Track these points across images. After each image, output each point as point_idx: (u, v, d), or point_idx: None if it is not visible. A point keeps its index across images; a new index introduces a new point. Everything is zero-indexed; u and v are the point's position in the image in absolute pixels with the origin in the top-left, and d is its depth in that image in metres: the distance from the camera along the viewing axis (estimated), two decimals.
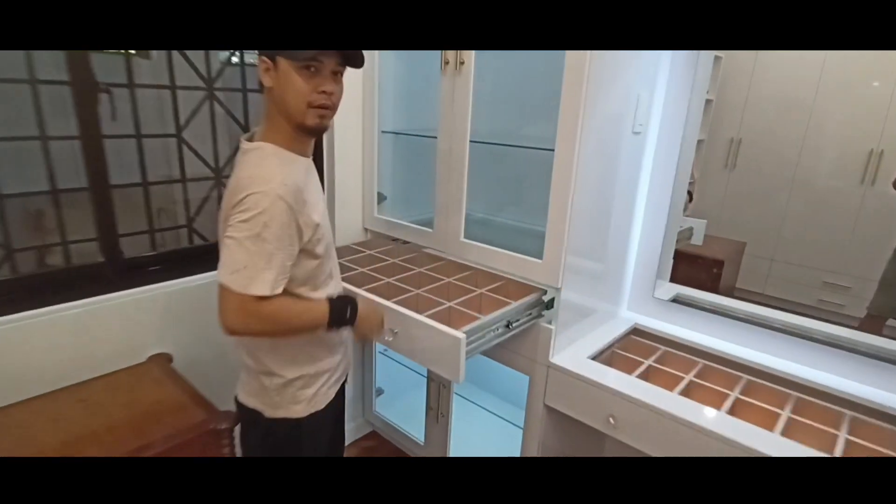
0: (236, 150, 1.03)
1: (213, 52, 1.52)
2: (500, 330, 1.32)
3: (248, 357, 1.08)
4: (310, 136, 1.02)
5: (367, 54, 1.65)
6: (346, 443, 2.10)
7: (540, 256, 1.35)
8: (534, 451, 1.53)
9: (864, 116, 1.44)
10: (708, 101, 1.60)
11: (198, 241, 1.57)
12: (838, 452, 1.13)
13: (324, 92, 0.96)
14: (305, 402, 1.09)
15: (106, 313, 1.31)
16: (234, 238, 0.91)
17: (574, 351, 1.46)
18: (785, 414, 1.26)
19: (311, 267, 1.03)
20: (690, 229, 1.82)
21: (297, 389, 1.08)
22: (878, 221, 1.42)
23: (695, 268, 1.81)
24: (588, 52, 1.17)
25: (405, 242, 1.79)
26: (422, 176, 1.77)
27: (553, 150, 1.28)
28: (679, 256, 1.69)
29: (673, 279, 1.69)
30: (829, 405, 1.31)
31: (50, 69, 1.21)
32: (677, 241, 1.68)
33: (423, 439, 1.83)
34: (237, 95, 1.58)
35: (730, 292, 1.64)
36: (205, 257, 1.51)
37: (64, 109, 1.26)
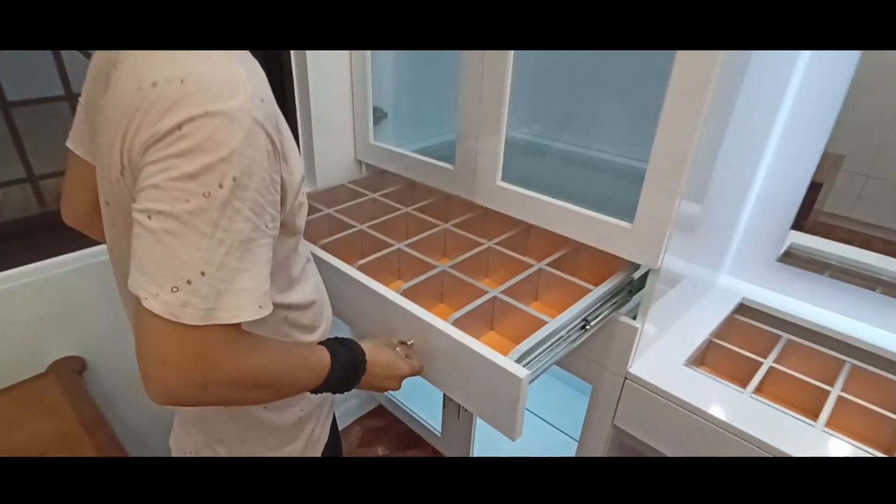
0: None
1: None
2: (573, 335, 0.85)
3: (192, 426, 0.71)
4: None
5: None
6: (350, 420, 1.78)
7: (630, 218, 0.84)
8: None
9: None
10: None
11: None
12: None
13: None
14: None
15: None
16: (168, 214, 0.44)
17: (659, 351, 1.00)
18: None
19: (287, 249, 0.61)
20: None
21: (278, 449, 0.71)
22: None
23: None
24: None
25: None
26: (439, 81, 1.22)
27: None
28: None
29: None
30: None
31: None
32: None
33: (440, 430, 1.46)
34: None
35: (814, 223, 1.11)
36: None
37: None
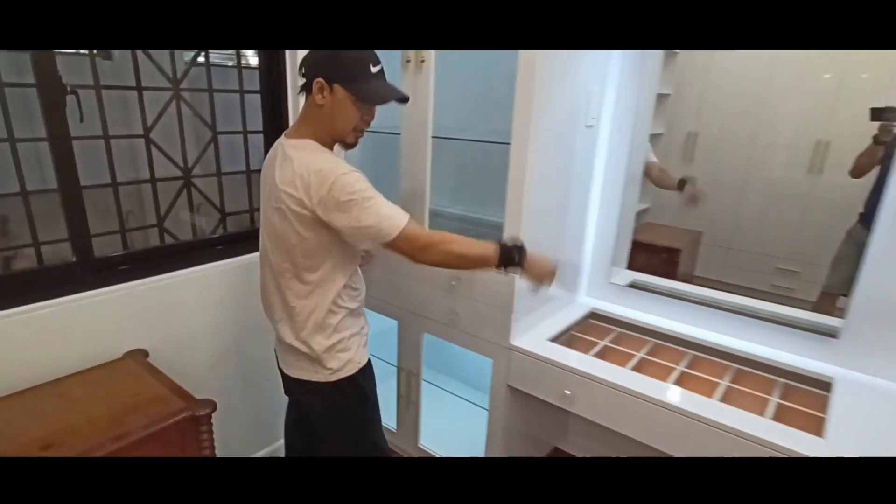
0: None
1: (178, 53, 1.55)
2: None
3: (290, 335, 1.20)
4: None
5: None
6: None
7: None
8: (499, 432, 1.63)
9: (812, 108, 1.51)
10: (666, 96, 1.69)
11: (169, 240, 1.60)
12: (769, 416, 1.25)
13: (367, 120, 1.14)
14: (351, 361, 1.21)
15: (79, 312, 1.34)
16: (353, 214, 1.04)
17: (534, 334, 1.56)
18: (724, 383, 1.39)
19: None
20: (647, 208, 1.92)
21: (339, 352, 1.19)
22: (824, 209, 1.48)
23: (653, 257, 1.91)
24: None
25: None
26: (388, 171, 1.84)
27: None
28: (637, 246, 1.80)
29: (632, 267, 1.80)
30: (763, 374, 1.44)
31: (10, 73, 1.23)
32: (636, 229, 1.78)
33: (395, 427, 1.91)
34: (203, 96, 1.61)
35: (689, 279, 1.75)
36: (176, 256, 1.54)
37: (26, 112, 1.28)
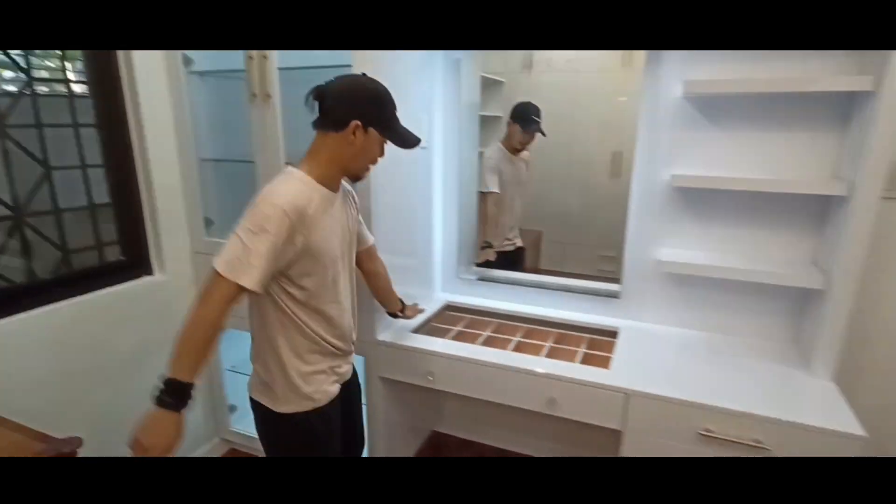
0: None
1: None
2: None
3: (253, 354, 1.22)
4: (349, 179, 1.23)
5: (176, 86, 1.76)
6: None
7: None
8: (379, 422, 1.81)
9: (611, 125, 1.91)
10: (498, 118, 2.03)
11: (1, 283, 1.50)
12: (578, 361, 1.63)
13: (381, 156, 1.18)
14: (305, 397, 1.20)
15: None
16: (236, 233, 1.02)
17: (397, 328, 1.77)
18: (548, 345, 1.75)
19: (310, 284, 1.14)
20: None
21: (296, 385, 1.18)
22: (623, 205, 1.80)
23: (505, 255, 2.22)
24: None
25: None
26: (245, 198, 1.92)
27: None
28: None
29: (485, 265, 2.11)
30: (575, 333, 1.84)
31: None
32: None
33: None
34: (32, 132, 1.54)
35: (536, 272, 2.11)
36: (13, 298, 1.46)
37: None
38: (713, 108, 1.58)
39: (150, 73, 1.72)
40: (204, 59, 1.85)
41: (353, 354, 1.36)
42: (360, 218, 1.38)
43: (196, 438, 2.07)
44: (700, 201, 1.67)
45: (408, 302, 1.65)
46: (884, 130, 1.26)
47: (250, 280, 1.01)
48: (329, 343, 1.22)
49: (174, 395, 1.00)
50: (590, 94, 1.97)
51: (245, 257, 1.01)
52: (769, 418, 1.28)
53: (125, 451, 1.03)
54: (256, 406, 1.25)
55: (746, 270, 1.53)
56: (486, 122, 2.04)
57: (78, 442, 1.19)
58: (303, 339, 1.19)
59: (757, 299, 1.67)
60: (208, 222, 1.94)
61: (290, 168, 1.13)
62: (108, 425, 1.58)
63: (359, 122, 1.09)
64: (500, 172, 2.05)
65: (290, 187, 1.08)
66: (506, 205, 2.10)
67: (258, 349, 1.22)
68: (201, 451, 2.11)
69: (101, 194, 1.71)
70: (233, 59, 1.65)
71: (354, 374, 1.41)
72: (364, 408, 1.80)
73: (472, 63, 1.93)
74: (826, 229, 1.52)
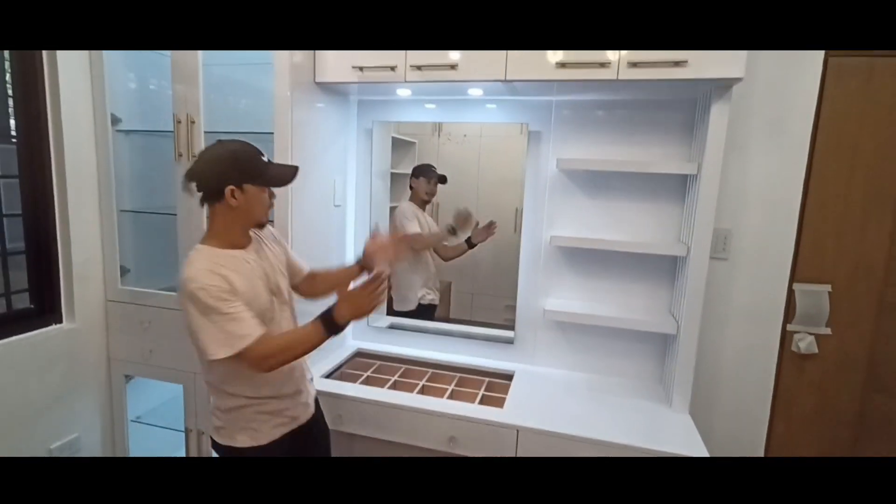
0: None
1: None
2: None
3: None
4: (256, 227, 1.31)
5: (103, 141, 1.85)
6: None
7: None
8: None
9: (516, 183, 2.06)
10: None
11: None
12: (477, 402, 1.79)
13: (273, 197, 1.28)
14: (246, 433, 1.26)
15: None
16: (200, 325, 1.12)
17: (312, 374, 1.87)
18: (451, 388, 1.90)
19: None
20: None
21: (238, 420, 1.25)
22: (526, 259, 2.02)
23: (418, 307, 2.36)
24: (291, 152, 1.67)
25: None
26: (167, 248, 2.00)
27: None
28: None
29: (396, 314, 2.26)
30: (476, 377, 2.01)
31: None
32: None
33: None
34: None
35: (447, 321, 2.26)
36: None
37: None
38: (584, 180, 1.90)
39: (76, 127, 1.81)
40: (132, 118, 1.97)
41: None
42: (289, 248, 1.48)
43: None
44: (577, 258, 1.95)
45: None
46: (705, 206, 1.59)
47: (250, 331, 1.14)
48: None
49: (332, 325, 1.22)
50: (495, 154, 2.19)
51: (226, 326, 1.13)
52: (630, 446, 1.49)
53: None
54: None
55: (615, 318, 1.79)
56: (397, 179, 2.27)
57: None
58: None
59: (628, 343, 1.93)
60: (124, 270, 1.98)
61: (198, 246, 1.22)
62: None
63: (232, 187, 1.17)
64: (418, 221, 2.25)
65: (203, 260, 1.17)
66: (421, 260, 2.30)
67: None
68: None
69: (17, 240, 1.74)
70: (161, 120, 1.78)
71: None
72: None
73: (384, 129, 2.17)
74: (677, 283, 1.83)
